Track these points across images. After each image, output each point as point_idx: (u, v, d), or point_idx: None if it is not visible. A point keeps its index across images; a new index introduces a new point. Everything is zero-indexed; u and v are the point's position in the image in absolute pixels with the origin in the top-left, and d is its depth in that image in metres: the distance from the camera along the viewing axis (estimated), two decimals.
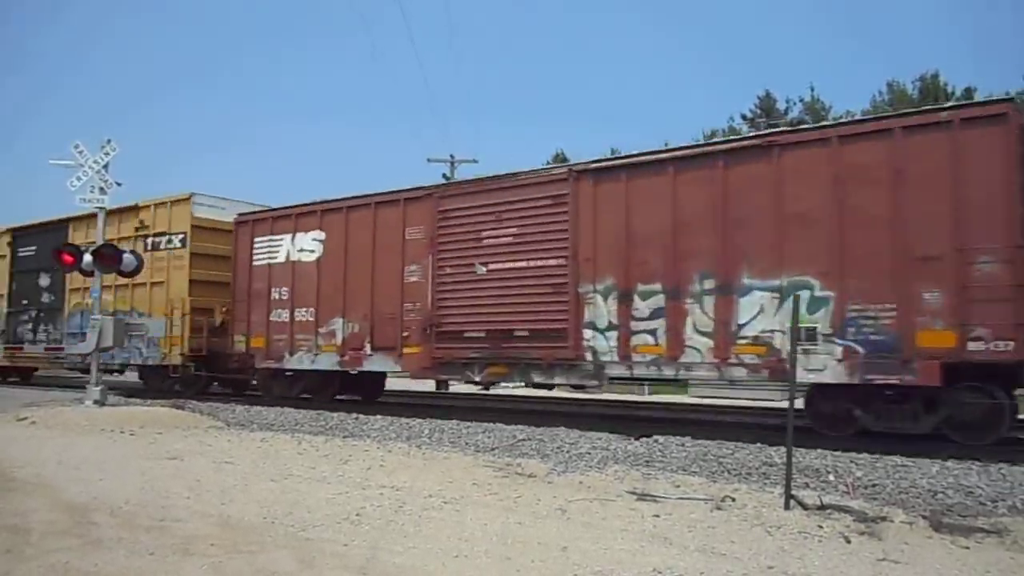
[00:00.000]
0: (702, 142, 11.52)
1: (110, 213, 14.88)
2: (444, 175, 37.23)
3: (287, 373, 14.85)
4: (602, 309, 10.87)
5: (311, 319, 14.13)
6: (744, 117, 44.32)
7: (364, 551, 4.75)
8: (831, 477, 7.13)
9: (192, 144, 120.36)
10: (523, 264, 11.68)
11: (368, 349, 13.34)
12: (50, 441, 9.58)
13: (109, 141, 13.79)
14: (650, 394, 20.32)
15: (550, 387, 13.20)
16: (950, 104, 10.66)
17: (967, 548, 4.99)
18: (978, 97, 36.28)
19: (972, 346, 8.30)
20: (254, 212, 15.79)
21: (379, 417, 12.01)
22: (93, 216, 14.75)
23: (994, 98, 9.04)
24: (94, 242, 14.28)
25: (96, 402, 13.09)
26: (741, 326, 9.72)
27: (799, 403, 9.09)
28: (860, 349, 8.92)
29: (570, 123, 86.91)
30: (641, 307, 10.52)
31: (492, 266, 11.99)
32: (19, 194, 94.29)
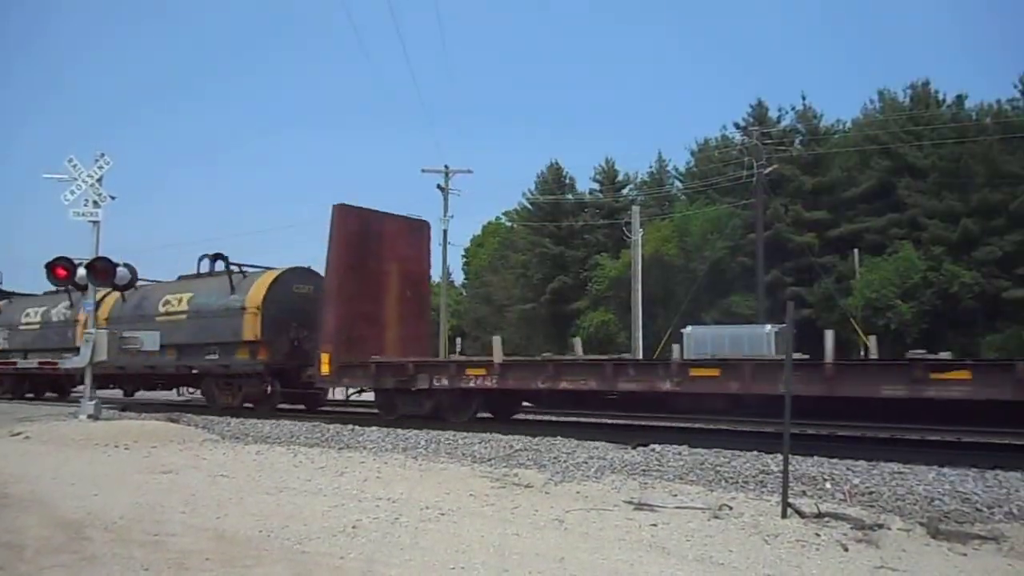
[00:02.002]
0: None
1: None
2: (439, 185, 37.34)
3: None
4: None
5: None
6: (737, 126, 44.59)
7: (360, 564, 4.72)
8: (828, 485, 7.13)
9: (180, 156, 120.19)
10: None
11: None
12: (44, 456, 9.52)
13: (103, 155, 13.80)
14: None
15: None
16: None
17: (964, 555, 4.99)
18: (968, 105, 36.58)
19: None
20: None
21: (375, 428, 11.98)
22: None
23: None
24: None
25: (90, 416, 13.04)
26: None
27: None
28: None
29: (564, 133, 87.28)
30: None
31: None
32: (10, 208, 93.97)
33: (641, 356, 27.69)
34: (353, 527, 5.66)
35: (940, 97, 38.54)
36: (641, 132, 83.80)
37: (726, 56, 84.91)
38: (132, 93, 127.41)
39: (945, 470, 7.48)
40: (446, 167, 37.30)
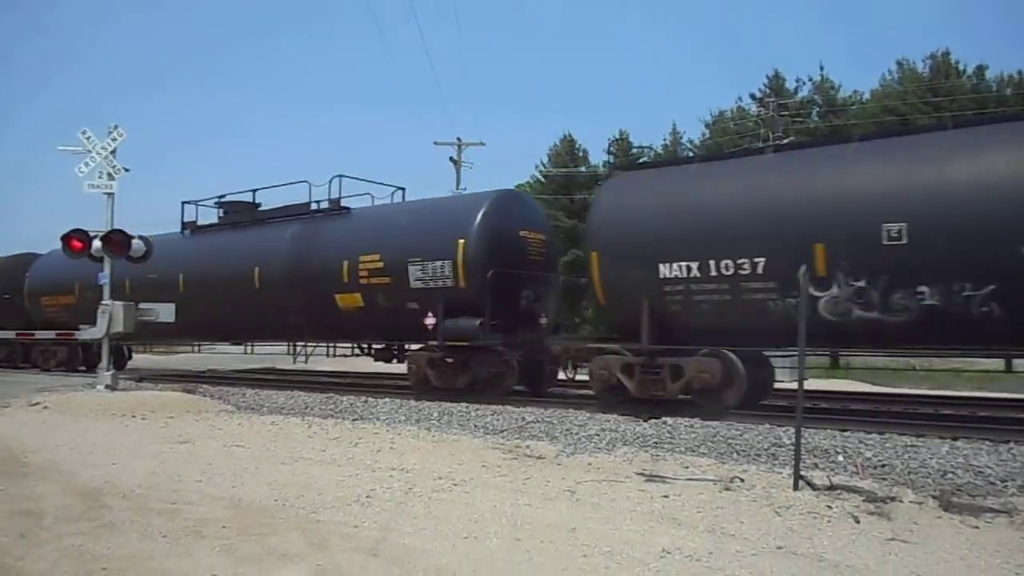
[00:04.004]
0: None
1: None
2: (451, 158, 37.19)
3: None
4: None
5: None
6: (753, 97, 44.01)
7: (375, 533, 4.78)
8: (840, 458, 7.13)
9: (191, 133, 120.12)
10: None
11: None
12: (63, 426, 9.65)
13: (116, 127, 13.77)
14: None
15: None
16: None
17: (977, 528, 4.98)
18: (989, 75, 35.92)
19: None
20: None
21: (388, 400, 12.07)
22: None
23: None
24: None
25: (108, 387, 13.18)
26: None
27: None
28: None
29: (577, 106, 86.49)
30: None
31: None
32: (12, 190, 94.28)
33: None
34: (367, 496, 5.72)
35: (960, 67, 37.85)
36: (655, 104, 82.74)
37: (743, 27, 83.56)
38: (140, 70, 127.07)
39: (959, 443, 7.46)
40: (458, 139, 37.10)
